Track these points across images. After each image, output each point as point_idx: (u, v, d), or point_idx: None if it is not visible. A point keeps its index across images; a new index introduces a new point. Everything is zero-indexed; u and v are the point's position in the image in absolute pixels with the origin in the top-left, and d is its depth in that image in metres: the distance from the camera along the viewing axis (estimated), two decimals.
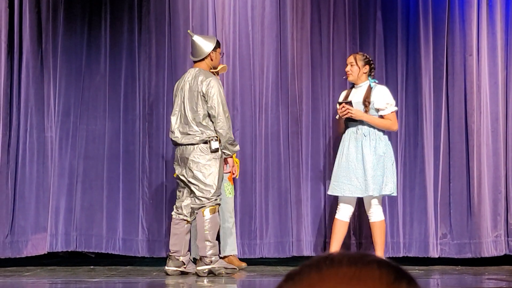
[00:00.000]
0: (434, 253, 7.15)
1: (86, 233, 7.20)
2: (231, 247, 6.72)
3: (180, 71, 7.30)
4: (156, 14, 7.36)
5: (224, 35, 7.26)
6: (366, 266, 1.16)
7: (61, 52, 7.24)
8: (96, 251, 7.26)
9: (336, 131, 6.89)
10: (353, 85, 6.61)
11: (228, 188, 6.71)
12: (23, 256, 7.04)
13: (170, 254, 6.21)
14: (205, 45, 6.24)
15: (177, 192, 6.27)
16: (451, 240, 7.19)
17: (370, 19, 7.44)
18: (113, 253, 7.21)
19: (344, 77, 6.79)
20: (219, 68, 6.65)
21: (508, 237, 7.22)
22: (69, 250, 7.24)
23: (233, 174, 6.63)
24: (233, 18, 7.40)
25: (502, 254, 7.17)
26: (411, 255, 7.19)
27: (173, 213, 6.19)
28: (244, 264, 6.75)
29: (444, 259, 7.17)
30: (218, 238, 6.61)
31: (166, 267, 6.25)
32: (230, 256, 6.70)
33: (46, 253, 7.13)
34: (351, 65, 6.53)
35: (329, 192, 6.61)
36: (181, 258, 6.18)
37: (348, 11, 7.45)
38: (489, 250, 7.13)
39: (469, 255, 7.15)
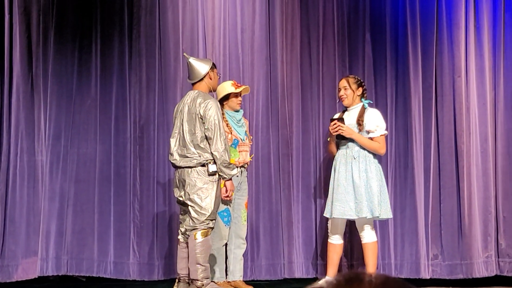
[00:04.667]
0: (425, 274, 7.15)
1: (77, 256, 7.18)
2: (239, 273, 6.71)
3: (171, 94, 7.32)
4: (147, 38, 7.39)
5: (214, 58, 7.29)
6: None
7: (51, 76, 7.25)
8: (87, 275, 7.22)
9: (328, 152, 6.87)
10: (345, 108, 6.60)
11: (244, 215, 6.70)
12: (14, 280, 6.99)
13: (180, 277, 6.16)
14: (201, 67, 6.23)
15: (180, 216, 6.24)
16: (443, 261, 7.20)
17: (359, 41, 7.48)
18: (104, 276, 7.18)
19: (338, 101, 6.80)
20: (242, 88, 6.66)
21: (498, 257, 7.23)
22: (60, 274, 7.19)
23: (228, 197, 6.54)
24: (223, 41, 7.43)
25: (493, 274, 7.18)
26: (402, 276, 7.18)
27: (179, 237, 6.15)
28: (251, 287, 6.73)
29: (436, 280, 7.17)
30: (226, 263, 6.63)
31: None
32: (237, 281, 6.68)
33: (36, 277, 7.09)
34: (345, 89, 6.50)
35: (324, 214, 6.59)
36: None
37: (337, 33, 7.50)
38: (480, 270, 7.14)
39: (460, 276, 7.16)
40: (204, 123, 6.01)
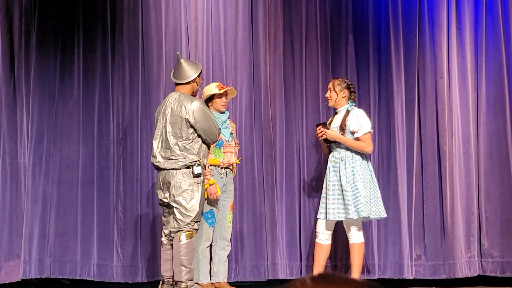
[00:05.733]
0: (409, 275, 7.18)
1: (60, 259, 7.14)
2: (224, 274, 6.70)
3: (154, 96, 7.31)
4: (129, 39, 7.37)
5: (197, 60, 7.28)
6: (359, 286, 1.18)
7: (34, 78, 7.21)
8: (71, 278, 7.18)
9: (323, 155, 6.96)
10: (335, 111, 6.66)
11: (229, 217, 6.69)
12: None
13: (164, 279, 6.15)
14: (191, 70, 6.19)
15: (163, 218, 6.22)
16: (426, 262, 7.23)
17: (342, 43, 7.51)
18: (87, 279, 7.15)
19: (325, 103, 6.84)
20: (225, 89, 6.64)
21: (481, 257, 7.27)
22: (43, 277, 7.15)
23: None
24: (206, 43, 7.42)
25: (475, 274, 7.22)
26: (386, 277, 7.21)
27: (163, 239, 6.14)
28: None
29: (419, 281, 7.20)
30: (210, 264, 6.62)
31: None
32: (221, 282, 6.68)
33: (19, 280, 7.05)
34: (330, 91, 6.58)
35: (318, 216, 6.62)
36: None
37: (320, 35, 7.51)
38: (463, 271, 7.18)
39: (443, 276, 7.19)
40: (192, 126, 6.00)
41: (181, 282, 5.96)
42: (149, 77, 7.35)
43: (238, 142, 7.02)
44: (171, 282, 6.10)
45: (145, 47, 7.37)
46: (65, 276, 7.17)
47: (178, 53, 6.39)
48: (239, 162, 6.91)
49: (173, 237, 5.99)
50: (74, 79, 7.32)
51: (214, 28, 7.46)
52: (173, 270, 6.01)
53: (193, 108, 5.99)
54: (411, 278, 7.19)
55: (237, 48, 7.46)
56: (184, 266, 5.93)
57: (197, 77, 6.20)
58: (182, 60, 6.21)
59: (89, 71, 7.34)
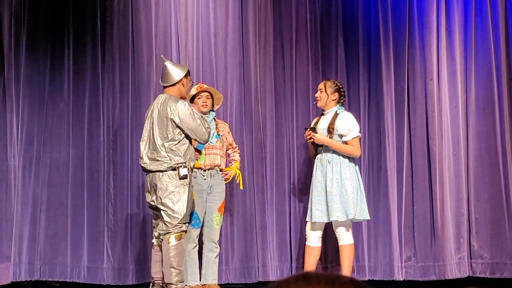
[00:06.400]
0: (399, 276, 7.19)
1: (50, 261, 7.13)
2: (212, 276, 6.69)
3: (144, 98, 7.30)
4: (120, 41, 7.36)
5: (188, 61, 7.28)
6: (343, 285, 1.18)
7: (23, 80, 7.20)
8: (61, 280, 7.17)
9: (310, 157, 6.96)
10: (322, 112, 6.66)
11: (216, 219, 6.68)
12: None
13: (154, 281, 6.14)
14: (176, 72, 6.19)
15: (153, 221, 6.21)
16: (416, 263, 7.25)
17: (332, 45, 7.52)
18: (78, 281, 7.13)
19: (314, 102, 6.83)
20: (202, 88, 6.64)
21: (471, 259, 7.29)
22: (33, 280, 7.13)
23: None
24: (196, 44, 7.43)
25: (465, 276, 7.24)
26: (376, 278, 7.23)
27: (153, 240, 6.14)
28: None
29: (409, 282, 7.22)
30: (200, 266, 6.61)
31: None
32: (211, 284, 6.67)
33: (9, 283, 7.03)
34: (320, 91, 6.56)
35: (306, 218, 6.63)
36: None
37: (310, 37, 7.52)
38: (453, 272, 7.20)
39: (433, 278, 7.21)
40: (179, 127, 6.00)
41: (171, 284, 5.96)
42: (139, 79, 7.34)
43: (236, 146, 6.98)
44: (161, 284, 6.09)
45: (135, 49, 7.37)
46: (55, 278, 7.15)
47: (162, 56, 6.40)
48: (234, 165, 6.85)
49: (162, 240, 5.99)
50: (64, 81, 7.31)
51: (204, 30, 7.46)
52: (163, 272, 6.01)
53: (178, 108, 5.99)
54: (402, 279, 7.21)
55: (227, 50, 7.46)
56: (174, 268, 5.92)
57: (184, 79, 6.19)
58: (166, 63, 6.22)
59: (79, 73, 7.32)
